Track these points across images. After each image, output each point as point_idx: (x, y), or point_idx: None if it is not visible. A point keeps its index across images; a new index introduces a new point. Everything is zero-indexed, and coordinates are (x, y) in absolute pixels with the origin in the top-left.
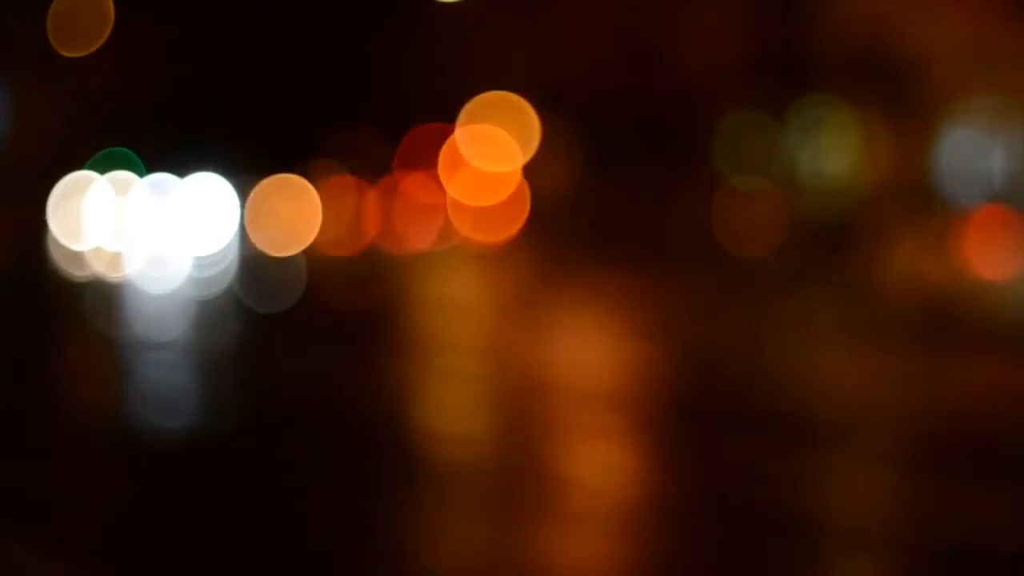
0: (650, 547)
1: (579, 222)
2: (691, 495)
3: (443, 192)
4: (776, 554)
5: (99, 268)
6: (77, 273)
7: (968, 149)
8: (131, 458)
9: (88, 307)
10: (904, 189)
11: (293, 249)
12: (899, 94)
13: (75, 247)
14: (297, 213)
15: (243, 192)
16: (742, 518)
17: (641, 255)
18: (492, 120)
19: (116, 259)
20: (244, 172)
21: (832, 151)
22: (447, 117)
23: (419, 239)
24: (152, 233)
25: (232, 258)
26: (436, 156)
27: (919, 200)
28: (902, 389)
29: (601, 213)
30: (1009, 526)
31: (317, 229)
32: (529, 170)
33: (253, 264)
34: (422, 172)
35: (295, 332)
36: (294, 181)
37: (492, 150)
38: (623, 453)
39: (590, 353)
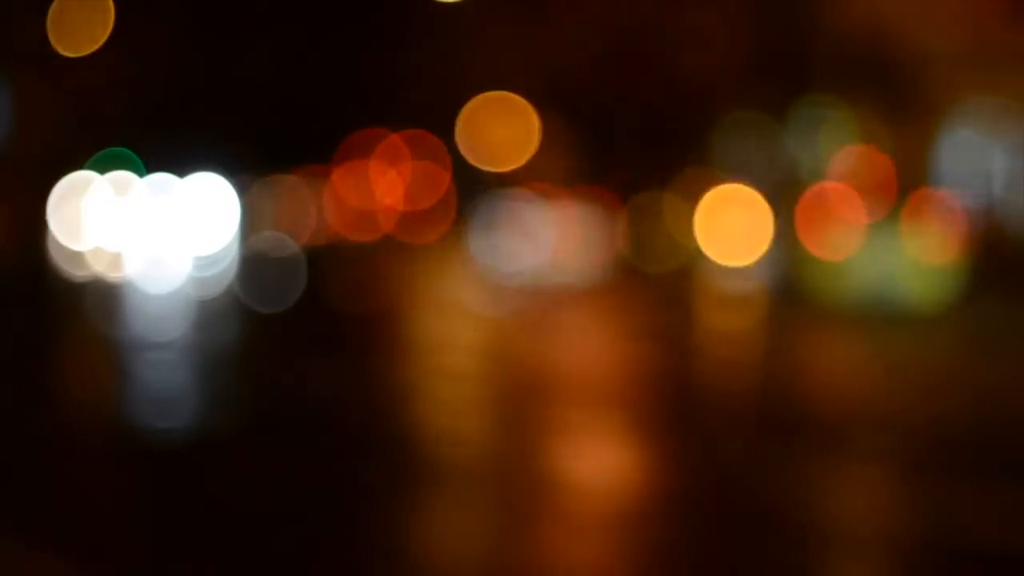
0: (650, 547)
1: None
2: (691, 495)
3: (373, 194)
4: (776, 554)
5: (99, 268)
6: (77, 273)
7: (968, 150)
8: (131, 458)
9: (88, 307)
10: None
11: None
12: (899, 94)
13: (75, 247)
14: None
15: (243, 192)
16: (742, 518)
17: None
18: (492, 120)
19: (116, 259)
20: (244, 172)
21: (832, 151)
22: (446, 117)
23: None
24: (152, 233)
25: (232, 258)
26: (370, 159)
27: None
28: (902, 389)
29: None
30: (1009, 526)
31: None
32: (529, 170)
33: (252, 263)
34: (354, 174)
35: (295, 332)
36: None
37: (427, 154)
38: (622, 453)
39: (590, 353)
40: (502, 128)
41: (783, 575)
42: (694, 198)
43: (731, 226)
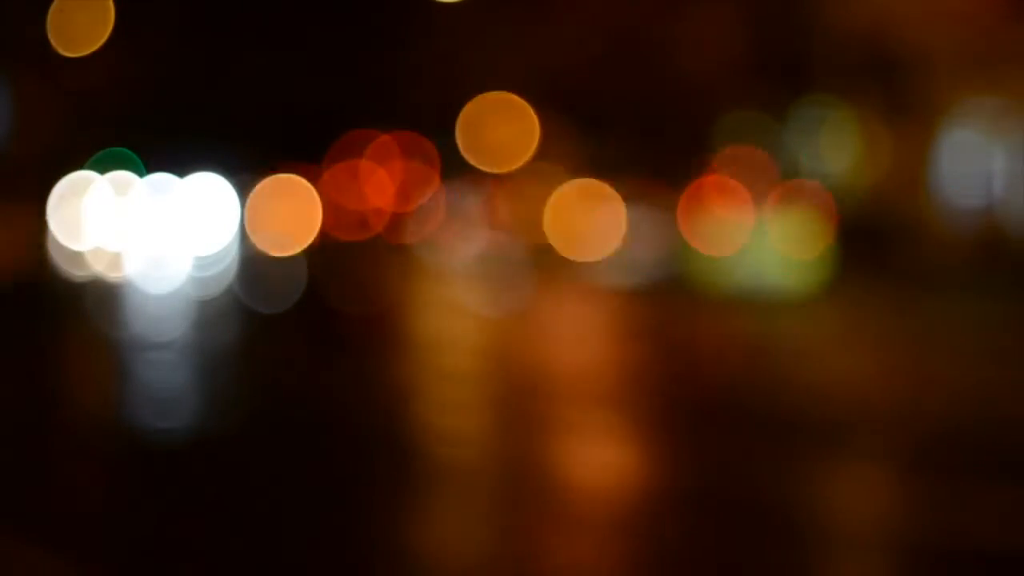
0: (649, 546)
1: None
2: (691, 495)
3: (363, 195)
4: (776, 554)
5: (99, 268)
6: (77, 273)
7: (968, 150)
8: (130, 458)
9: (88, 307)
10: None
11: (292, 249)
12: (899, 94)
13: (75, 247)
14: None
15: (243, 192)
16: (741, 518)
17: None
18: (492, 120)
19: (116, 259)
20: (244, 172)
21: (832, 151)
22: (445, 118)
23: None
24: (152, 233)
25: (232, 258)
26: (360, 160)
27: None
28: (901, 388)
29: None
30: (1009, 526)
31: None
32: (528, 170)
33: (253, 264)
34: (345, 174)
35: (295, 332)
36: (294, 181)
37: (418, 154)
38: (622, 453)
39: (588, 353)
40: (502, 128)
41: (782, 575)
42: (543, 193)
43: (584, 221)
